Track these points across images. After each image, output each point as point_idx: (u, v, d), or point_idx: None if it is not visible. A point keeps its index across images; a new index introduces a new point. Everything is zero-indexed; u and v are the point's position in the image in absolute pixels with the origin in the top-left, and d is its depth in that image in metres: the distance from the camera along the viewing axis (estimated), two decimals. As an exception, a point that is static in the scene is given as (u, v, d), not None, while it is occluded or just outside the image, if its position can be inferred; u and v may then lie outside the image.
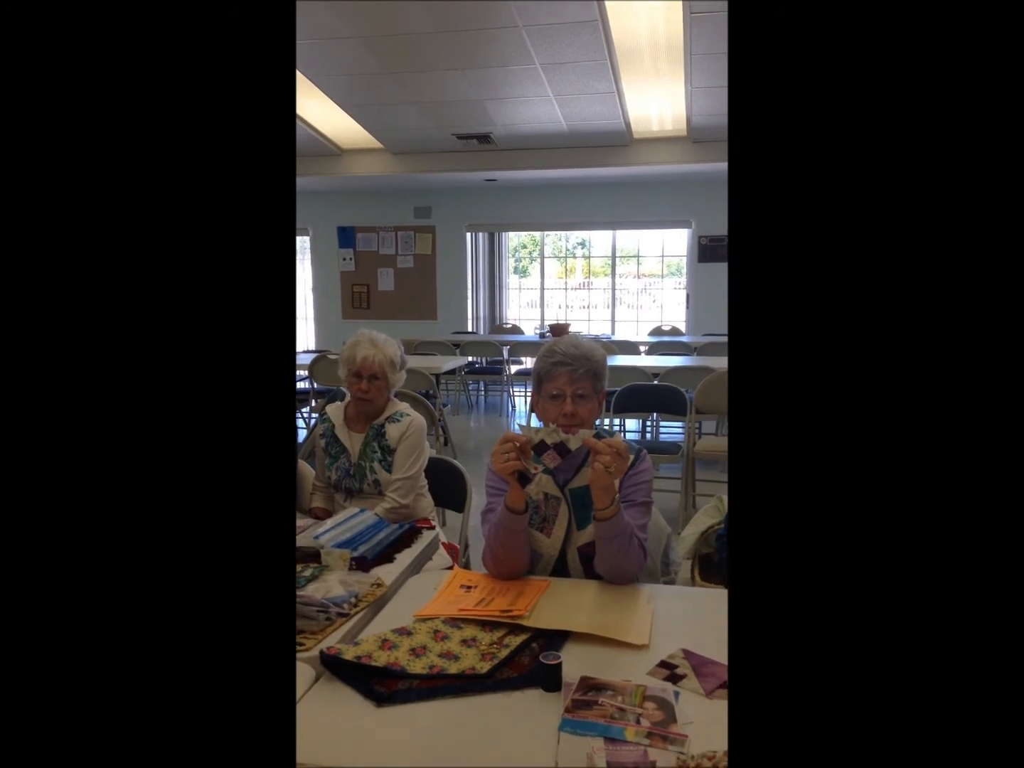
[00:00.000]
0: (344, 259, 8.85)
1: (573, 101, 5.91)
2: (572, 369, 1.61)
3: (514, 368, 7.17)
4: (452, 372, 6.06)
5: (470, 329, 8.58)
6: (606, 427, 2.41)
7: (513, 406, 7.49)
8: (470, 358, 6.86)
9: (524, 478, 1.51)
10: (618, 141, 6.73)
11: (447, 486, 2.43)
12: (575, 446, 1.49)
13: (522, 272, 11.31)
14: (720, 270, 7.92)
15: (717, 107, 5.88)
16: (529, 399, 1.86)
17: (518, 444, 1.48)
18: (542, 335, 7.35)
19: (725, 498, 2.36)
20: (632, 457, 1.62)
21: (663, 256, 9.27)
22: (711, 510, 2.39)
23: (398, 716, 1.10)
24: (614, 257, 8.85)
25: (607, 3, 4.43)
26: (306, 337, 9.21)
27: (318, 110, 6.27)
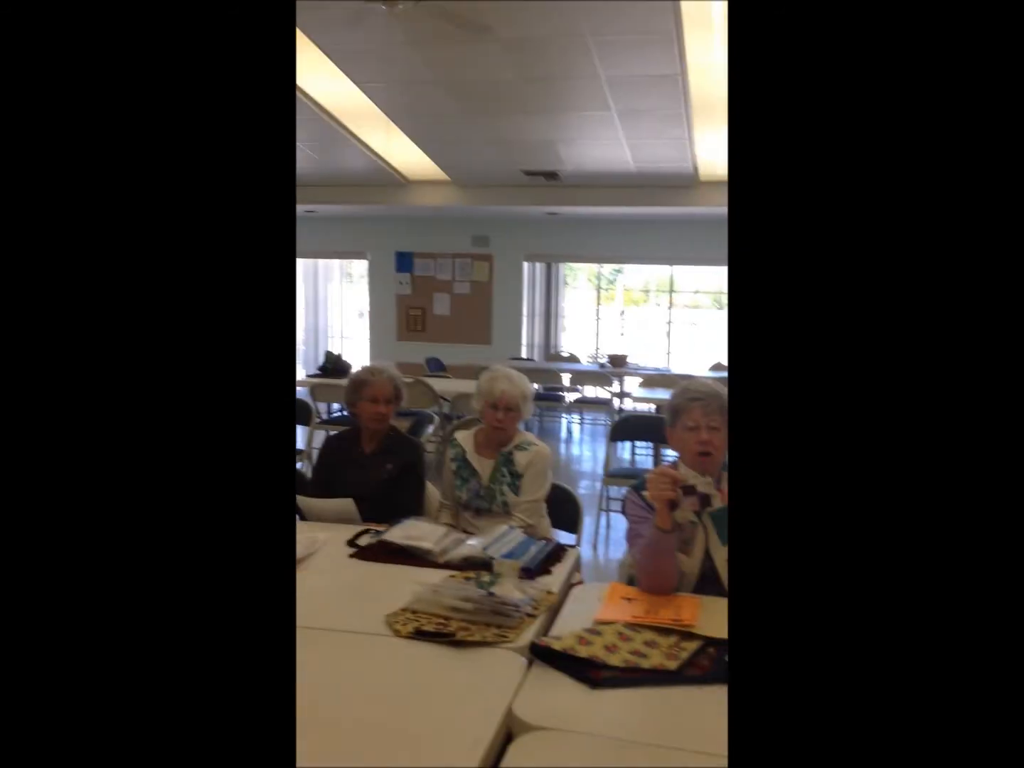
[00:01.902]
0: (400, 283, 9.18)
1: (644, 145, 6.18)
2: (705, 404, 1.86)
3: (573, 396, 7.39)
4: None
5: (524, 356, 8.83)
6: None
7: (571, 432, 7.72)
8: (536, 386, 7.10)
9: (673, 505, 1.75)
10: (683, 183, 6.99)
11: (558, 509, 2.65)
12: (717, 504, 1.74)
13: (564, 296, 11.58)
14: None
15: (782, 154, 6.11)
16: (665, 431, 2.14)
17: (674, 479, 1.72)
18: (602, 365, 7.57)
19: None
20: None
21: (713, 292, 9.46)
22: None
23: (608, 697, 1.31)
24: (671, 292, 9.08)
25: (688, 61, 4.69)
26: (362, 357, 9.52)
27: (390, 143, 6.60)
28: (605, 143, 6.17)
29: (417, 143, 6.52)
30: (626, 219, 8.26)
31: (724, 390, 1.92)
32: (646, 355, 9.18)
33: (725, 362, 7.90)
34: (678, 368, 7.85)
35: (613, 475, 4.13)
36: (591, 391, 7.53)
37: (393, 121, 6.00)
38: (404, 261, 9.12)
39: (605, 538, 4.25)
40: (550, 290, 9.28)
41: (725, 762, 1.12)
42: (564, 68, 4.86)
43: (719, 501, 1.77)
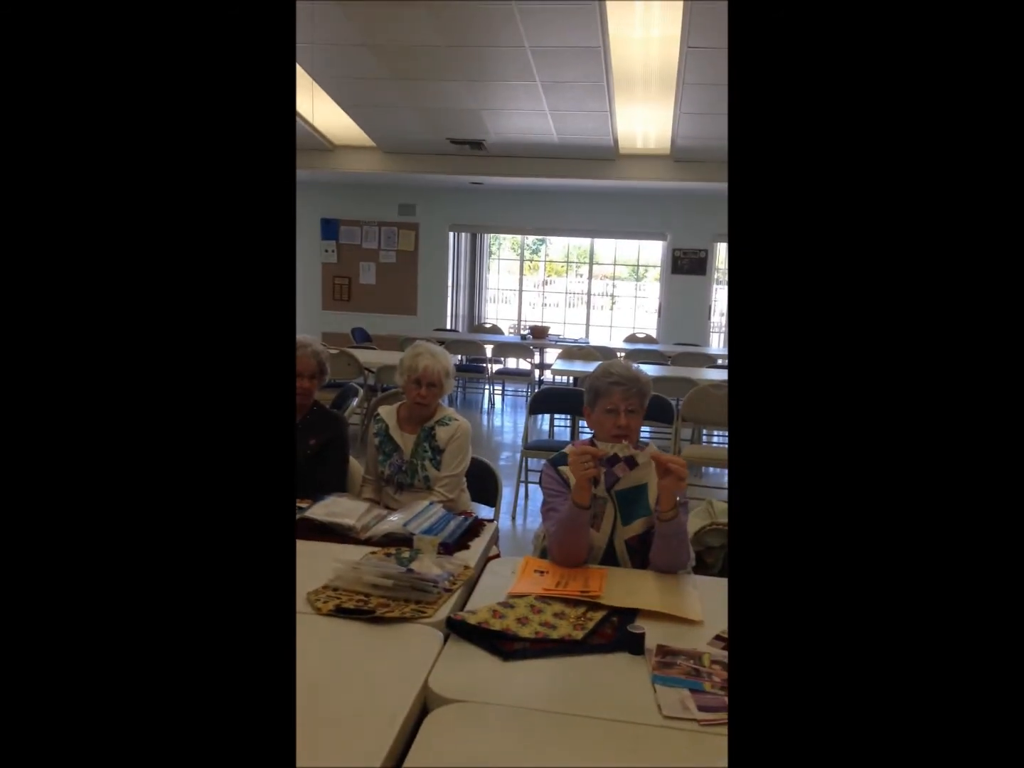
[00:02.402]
0: (326, 251, 9.00)
1: (567, 116, 6.22)
2: (626, 389, 1.94)
3: (495, 367, 7.46)
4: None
5: (449, 327, 8.83)
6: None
7: (492, 404, 7.80)
8: (459, 357, 7.12)
9: (595, 481, 1.85)
10: (605, 155, 7.07)
11: (477, 483, 2.72)
12: (643, 460, 1.83)
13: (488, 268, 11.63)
14: (691, 282, 8.34)
15: (701, 131, 6.26)
16: (583, 411, 2.22)
17: (594, 455, 1.80)
18: (523, 336, 7.65)
19: (715, 502, 2.71)
20: None
21: (631, 264, 9.65)
22: (701, 512, 2.71)
23: (520, 668, 1.40)
24: (591, 264, 9.21)
25: (611, 34, 4.73)
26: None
27: (316, 107, 6.44)
28: (529, 114, 6.18)
29: (342, 107, 6.36)
30: (549, 190, 8.31)
31: (643, 375, 2.01)
32: (566, 326, 9.32)
33: (640, 333, 8.11)
34: (597, 340, 8.02)
35: (531, 447, 4.23)
36: (513, 362, 7.62)
37: (317, 83, 5.84)
38: (329, 228, 8.94)
39: (524, 509, 4.36)
40: (475, 260, 9.28)
41: (621, 726, 1.22)
42: (490, 36, 4.84)
43: (642, 458, 1.86)
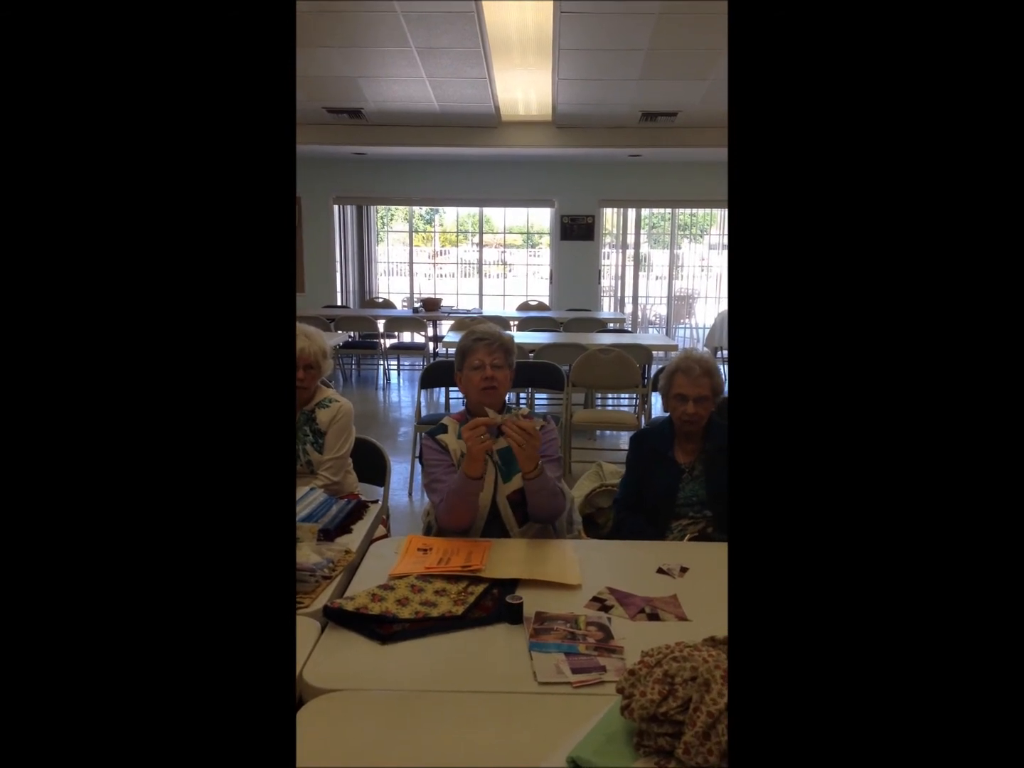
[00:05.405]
0: (204, 228, 8.57)
1: (446, 83, 6.11)
2: (488, 343, 1.98)
3: (388, 342, 7.35)
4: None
5: (339, 303, 8.62)
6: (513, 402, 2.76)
7: (388, 379, 7.70)
8: (351, 334, 6.95)
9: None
10: (487, 123, 7.01)
11: (365, 463, 2.69)
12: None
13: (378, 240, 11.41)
14: (580, 247, 8.44)
15: (580, 97, 6.29)
16: (453, 376, 2.22)
17: (487, 425, 1.81)
18: (415, 309, 7.56)
19: (604, 464, 2.77)
20: (542, 424, 2.00)
21: (522, 231, 9.67)
22: (592, 475, 2.78)
23: (399, 650, 1.39)
24: (481, 233, 9.17)
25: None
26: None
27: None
28: (407, 81, 6.04)
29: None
30: (435, 160, 8.19)
31: (505, 333, 2.05)
32: (460, 297, 9.28)
33: (533, 301, 8.17)
34: (490, 309, 8.02)
35: (424, 422, 4.20)
36: (408, 336, 7.53)
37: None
38: (202, 203, 8.49)
39: (420, 485, 4.33)
40: (363, 233, 9.06)
41: (498, 697, 1.23)
42: (359, 1, 4.68)
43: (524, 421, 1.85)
